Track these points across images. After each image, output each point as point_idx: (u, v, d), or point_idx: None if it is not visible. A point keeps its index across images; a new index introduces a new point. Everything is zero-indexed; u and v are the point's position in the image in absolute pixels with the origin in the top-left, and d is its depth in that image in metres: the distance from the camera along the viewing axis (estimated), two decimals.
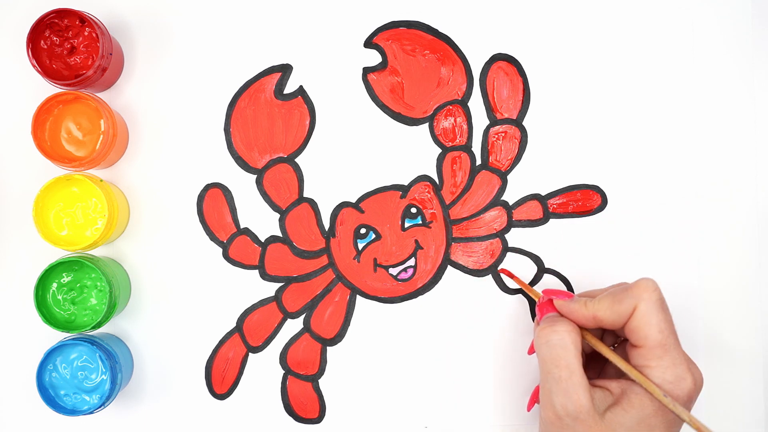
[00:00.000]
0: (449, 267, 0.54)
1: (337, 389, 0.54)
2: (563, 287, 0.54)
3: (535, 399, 0.49)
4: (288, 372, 0.54)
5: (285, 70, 0.54)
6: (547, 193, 0.54)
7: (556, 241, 0.54)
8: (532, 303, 0.54)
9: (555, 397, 0.43)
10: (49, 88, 0.52)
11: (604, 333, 0.49)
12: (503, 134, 0.54)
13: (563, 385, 0.43)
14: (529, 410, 0.50)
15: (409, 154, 0.54)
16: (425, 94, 0.54)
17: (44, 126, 0.51)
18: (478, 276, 0.54)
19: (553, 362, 0.44)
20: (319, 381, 0.54)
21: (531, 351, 0.51)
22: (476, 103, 0.54)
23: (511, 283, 0.54)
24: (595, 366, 0.49)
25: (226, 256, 0.54)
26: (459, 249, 0.54)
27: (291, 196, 0.54)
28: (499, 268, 0.54)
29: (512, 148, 0.54)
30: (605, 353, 0.45)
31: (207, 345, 0.54)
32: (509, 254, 0.54)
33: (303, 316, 0.54)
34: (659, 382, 0.43)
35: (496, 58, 0.55)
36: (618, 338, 0.49)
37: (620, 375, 0.47)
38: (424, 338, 0.54)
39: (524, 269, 0.54)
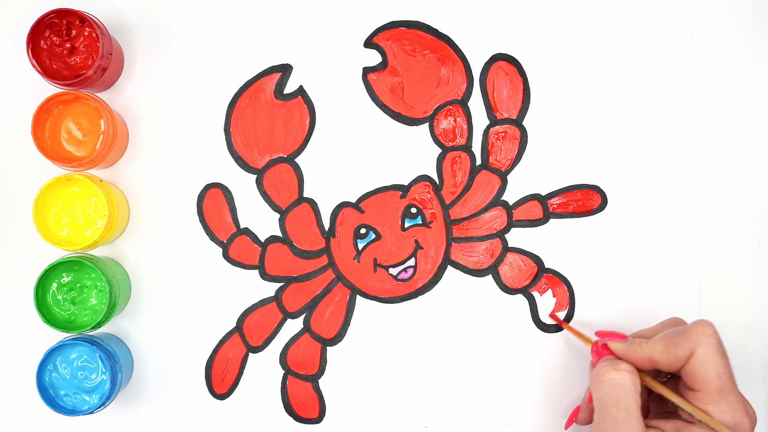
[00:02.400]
0: (449, 267, 0.54)
1: (337, 389, 0.54)
2: (563, 288, 0.54)
3: (574, 418, 0.49)
4: (288, 372, 0.54)
5: (285, 70, 0.54)
6: (547, 193, 0.54)
7: (556, 241, 0.54)
8: (532, 303, 0.54)
9: None
10: (49, 88, 0.52)
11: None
12: (503, 134, 0.54)
13: (620, 427, 0.43)
14: (566, 428, 0.51)
15: (409, 154, 0.54)
16: (425, 94, 0.54)
17: (44, 126, 0.51)
18: (478, 276, 0.54)
19: (612, 402, 0.43)
20: (319, 381, 0.54)
21: (568, 425, 0.51)
22: (476, 103, 0.54)
23: (515, 282, 0.54)
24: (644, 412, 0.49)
25: (226, 256, 0.54)
26: (459, 249, 0.54)
27: (291, 196, 0.54)
28: (549, 314, 0.53)
29: (512, 148, 0.54)
30: (667, 395, 0.44)
31: (207, 345, 0.54)
32: (509, 254, 0.54)
33: (303, 316, 0.54)
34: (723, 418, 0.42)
35: (496, 58, 0.55)
36: (667, 374, 0.48)
37: (668, 414, 0.46)
38: (424, 338, 0.54)
39: (524, 269, 0.54)
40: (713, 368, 0.42)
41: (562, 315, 0.54)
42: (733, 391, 0.43)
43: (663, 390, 0.45)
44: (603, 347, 0.47)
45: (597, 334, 0.49)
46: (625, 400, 0.43)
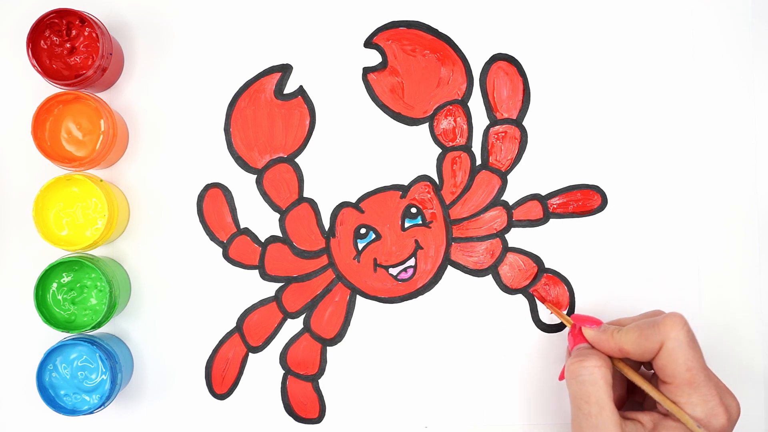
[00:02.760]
0: (449, 267, 0.54)
1: (337, 389, 0.54)
2: (563, 288, 0.54)
3: (588, 322, 0.49)
4: (288, 372, 0.54)
5: (285, 70, 0.54)
6: (547, 193, 0.54)
7: (556, 241, 0.54)
8: (533, 303, 0.54)
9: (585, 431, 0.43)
10: (49, 88, 0.52)
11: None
12: (503, 134, 0.54)
13: (593, 421, 0.43)
14: (561, 380, 0.51)
15: (409, 154, 0.54)
16: (425, 94, 0.54)
17: (44, 126, 0.51)
18: (478, 276, 0.54)
19: (582, 398, 0.44)
20: (319, 381, 0.54)
21: (561, 377, 0.51)
22: (476, 103, 0.54)
23: (515, 282, 0.54)
24: (629, 395, 0.49)
25: (226, 256, 0.54)
26: (459, 249, 0.54)
27: (291, 196, 0.54)
28: (531, 290, 0.53)
29: (512, 148, 0.54)
30: (637, 382, 0.45)
31: (207, 345, 0.54)
32: (510, 254, 0.54)
33: (303, 316, 0.54)
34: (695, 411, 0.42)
35: (496, 58, 0.55)
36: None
37: (653, 405, 0.46)
38: (424, 338, 0.54)
39: (524, 269, 0.54)
40: (682, 362, 0.42)
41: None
42: (705, 384, 0.43)
43: (635, 377, 0.45)
44: (578, 333, 0.48)
45: (573, 318, 0.49)
46: (595, 394, 0.43)
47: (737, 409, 0.43)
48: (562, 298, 0.54)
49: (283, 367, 0.54)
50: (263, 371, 0.54)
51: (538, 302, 0.54)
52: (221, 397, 0.54)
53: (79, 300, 0.51)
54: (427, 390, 0.54)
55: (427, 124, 0.54)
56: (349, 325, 0.54)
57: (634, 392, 0.49)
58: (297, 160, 0.54)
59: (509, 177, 0.54)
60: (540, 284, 0.54)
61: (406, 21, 0.54)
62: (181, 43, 0.54)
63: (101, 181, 0.51)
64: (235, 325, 0.54)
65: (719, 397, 0.43)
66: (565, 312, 0.54)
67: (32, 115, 0.50)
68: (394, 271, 0.54)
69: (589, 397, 0.44)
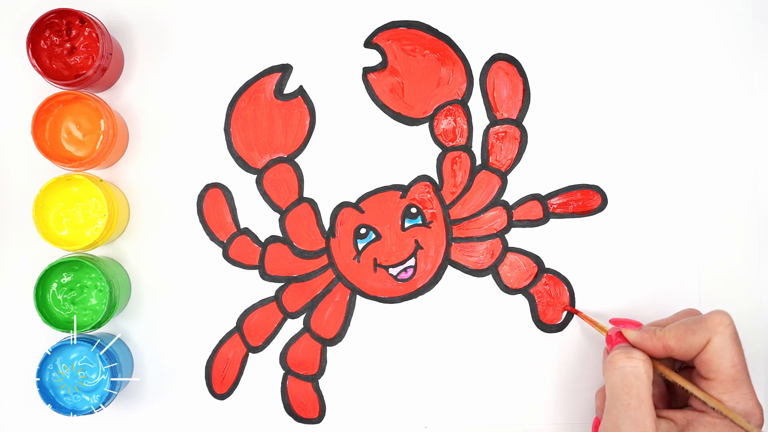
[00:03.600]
0: (449, 267, 0.54)
1: (337, 389, 0.54)
2: (564, 288, 0.54)
3: (627, 324, 0.48)
4: (288, 372, 0.54)
5: (285, 70, 0.54)
6: (547, 193, 0.54)
7: (556, 241, 0.54)
8: (533, 303, 0.54)
9: (622, 424, 0.43)
10: (49, 88, 0.52)
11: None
12: (503, 134, 0.54)
13: (632, 414, 0.43)
14: (613, 323, 0.50)
15: (409, 154, 0.54)
16: (425, 94, 0.54)
17: (44, 126, 0.51)
18: (478, 276, 0.54)
19: (624, 389, 0.44)
20: (319, 381, 0.54)
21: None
22: (476, 103, 0.54)
23: (515, 282, 0.54)
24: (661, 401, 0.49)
25: (226, 256, 0.54)
26: (459, 249, 0.54)
27: (291, 196, 0.54)
28: (564, 307, 0.53)
29: (512, 148, 0.54)
30: (681, 383, 0.45)
31: (207, 345, 0.54)
32: (510, 254, 0.54)
33: (303, 316, 0.54)
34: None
35: (496, 58, 0.55)
36: (681, 363, 0.48)
37: (683, 405, 0.46)
38: (424, 338, 0.54)
39: (524, 269, 0.54)
40: (728, 357, 0.43)
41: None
42: (747, 382, 0.43)
43: (677, 378, 0.45)
44: (617, 335, 0.47)
45: (612, 321, 0.49)
46: (637, 387, 0.43)
47: (763, 413, 0.44)
48: (563, 298, 0.54)
49: (283, 367, 0.54)
50: (263, 371, 0.54)
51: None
52: (221, 397, 0.54)
53: (79, 300, 0.51)
54: (427, 390, 0.54)
55: (427, 124, 0.54)
56: (349, 325, 0.54)
57: (667, 398, 0.49)
58: (297, 160, 0.54)
59: (509, 177, 0.54)
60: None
61: (406, 21, 0.54)
62: (181, 43, 0.54)
63: (101, 181, 0.51)
64: (235, 325, 0.54)
65: (755, 397, 0.43)
66: (565, 317, 0.54)
67: (32, 115, 0.50)
68: (394, 271, 0.54)
69: (630, 389, 0.43)
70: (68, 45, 0.51)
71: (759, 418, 0.43)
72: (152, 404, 0.53)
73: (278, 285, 0.54)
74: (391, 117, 0.54)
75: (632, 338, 0.46)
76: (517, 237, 0.54)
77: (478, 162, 0.54)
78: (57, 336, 0.52)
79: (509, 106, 0.54)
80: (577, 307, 0.54)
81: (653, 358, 0.46)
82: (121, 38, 0.54)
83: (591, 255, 0.54)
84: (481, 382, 0.54)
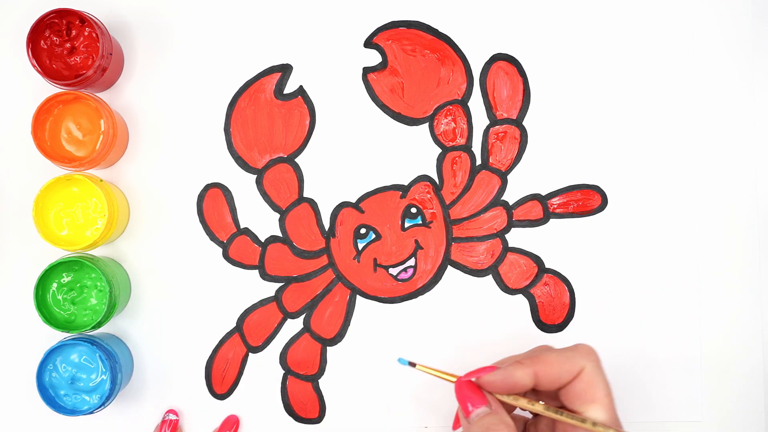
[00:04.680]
0: (449, 267, 0.54)
1: (337, 389, 0.54)
2: (564, 288, 0.54)
3: (479, 372, 0.43)
4: (288, 372, 0.54)
5: (285, 70, 0.54)
6: (547, 193, 0.54)
7: (556, 241, 0.54)
8: (533, 303, 0.54)
9: None
10: (49, 88, 0.52)
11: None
12: (503, 134, 0.54)
13: None
14: (454, 429, 0.45)
15: (409, 154, 0.54)
16: (425, 94, 0.54)
17: (44, 126, 0.51)
18: (478, 276, 0.54)
19: None
20: (319, 381, 0.54)
21: (456, 426, 0.44)
22: (476, 103, 0.54)
23: (515, 282, 0.54)
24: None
25: (226, 256, 0.54)
26: (459, 249, 0.54)
27: (291, 196, 0.54)
28: (412, 362, 0.44)
29: (512, 148, 0.54)
30: (553, 416, 0.41)
31: (207, 345, 0.54)
32: (510, 254, 0.54)
33: (303, 316, 0.54)
34: None
35: (496, 58, 0.55)
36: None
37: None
38: (424, 338, 0.54)
39: (524, 269, 0.54)
40: (602, 386, 0.41)
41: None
42: (615, 414, 0.41)
43: (546, 411, 0.41)
44: (468, 389, 0.41)
45: (460, 378, 0.42)
46: None
47: None
48: (563, 298, 0.54)
49: (283, 367, 0.54)
50: (263, 371, 0.54)
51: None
52: (221, 397, 0.54)
53: (79, 300, 0.51)
54: (427, 390, 0.54)
55: (427, 124, 0.54)
56: (349, 325, 0.54)
57: None
58: (297, 160, 0.54)
59: (509, 177, 0.54)
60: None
61: (406, 21, 0.54)
62: (181, 43, 0.54)
63: (101, 181, 0.51)
64: (235, 325, 0.54)
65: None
66: (565, 317, 0.54)
67: (32, 115, 0.50)
68: (394, 271, 0.54)
69: None
70: (68, 45, 0.51)
71: None
72: (152, 404, 0.53)
73: (278, 285, 0.54)
74: (391, 117, 0.54)
75: (497, 378, 0.41)
76: (517, 237, 0.54)
77: (478, 162, 0.54)
78: (57, 336, 0.52)
79: (509, 106, 0.54)
80: (578, 306, 0.54)
81: (513, 397, 0.42)
82: (121, 38, 0.54)
83: (591, 255, 0.54)
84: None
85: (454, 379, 0.42)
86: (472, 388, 0.41)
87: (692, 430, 0.54)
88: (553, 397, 0.43)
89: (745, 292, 0.54)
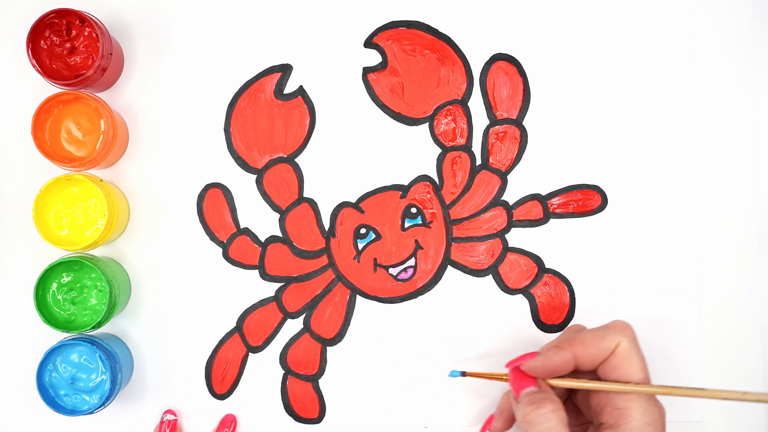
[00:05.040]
0: (449, 267, 0.54)
1: (337, 389, 0.54)
2: (564, 288, 0.54)
3: (488, 427, 0.48)
4: (288, 372, 0.54)
5: (285, 70, 0.54)
6: (547, 193, 0.54)
7: (556, 241, 0.54)
8: (533, 303, 0.54)
9: None
10: (49, 88, 0.52)
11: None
12: (503, 134, 0.54)
13: None
14: (509, 365, 0.47)
15: (409, 154, 0.54)
16: (425, 94, 0.54)
17: (44, 126, 0.51)
18: (478, 276, 0.54)
19: None
20: (319, 381, 0.54)
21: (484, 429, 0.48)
22: (476, 103, 0.54)
23: (515, 282, 0.54)
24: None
25: (226, 256, 0.54)
26: (459, 249, 0.54)
27: (291, 196, 0.54)
28: (463, 372, 0.49)
29: (512, 148, 0.54)
30: (600, 387, 0.43)
31: (207, 345, 0.54)
32: (510, 254, 0.54)
33: (303, 316, 0.54)
34: (642, 419, 0.42)
35: (496, 58, 0.55)
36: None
37: (584, 410, 0.46)
38: (424, 338, 0.54)
39: (524, 269, 0.54)
40: (637, 360, 0.43)
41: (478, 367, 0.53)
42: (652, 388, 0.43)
43: (593, 384, 0.44)
44: (518, 375, 0.45)
45: (508, 365, 0.46)
46: None
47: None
48: (563, 298, 0.54)
49: (283, 367, 0.54)
50: (263, 371, 0.54)
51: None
52: (221, 397, 0.54)
53: (79, 300, 0.51)
54: (427, 390, 0.54)
55: (427, 124, 0.54)
56: (349, 325, 0.54)
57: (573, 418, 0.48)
58: (297, 160, 0.54)
59: (509, 177, 0.54)
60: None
61: (406, 21, 0.55)
62: (181, 43, 0.54)
63: (101, 181, 0.51)
64: (235, 325, 0.54)
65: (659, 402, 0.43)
66: (565, 317, 0.54)
67: (32, 115, 0.50)
68: (394, 271, 0.54)
69: None
70: (68, 45, 0.51)
71: (661, 425, 0.42)
72: (152, 404, 0.53)
73: (278, 285, 0.54)
74: (391, 117, 0.54)
75: (538, 364, 0.44)
76: (517, 237, 0.54)
77: (478, 162, 0.54)
78: (57, 336, 0.52)
79: (509, 106, 0.54)
80: (578, 306, 0.54)
81: (559, 379, 0.44)
82: (121, 38, 0.54)
83: (591, 255, 0.54)
84: (481, 382, 0.54)
85: (505, 376, 0.46)
86: (521, 374, 0.45)
87: (692, 430, 0.54)
88: (594, 376, 0.45)
89: (745, 292, 0.54)
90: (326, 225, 0.54)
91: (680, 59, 0.55)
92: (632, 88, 0.55)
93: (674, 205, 0.54)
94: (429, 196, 0.54)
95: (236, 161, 0.54)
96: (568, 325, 0.48)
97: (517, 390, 0.45)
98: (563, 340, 0.45)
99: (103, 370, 0.50)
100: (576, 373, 0.45)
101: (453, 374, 0.49)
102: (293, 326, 0.54)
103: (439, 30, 0.54)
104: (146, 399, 0.53)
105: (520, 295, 0.54)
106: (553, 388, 0.45)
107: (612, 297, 0.54)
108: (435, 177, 0.54)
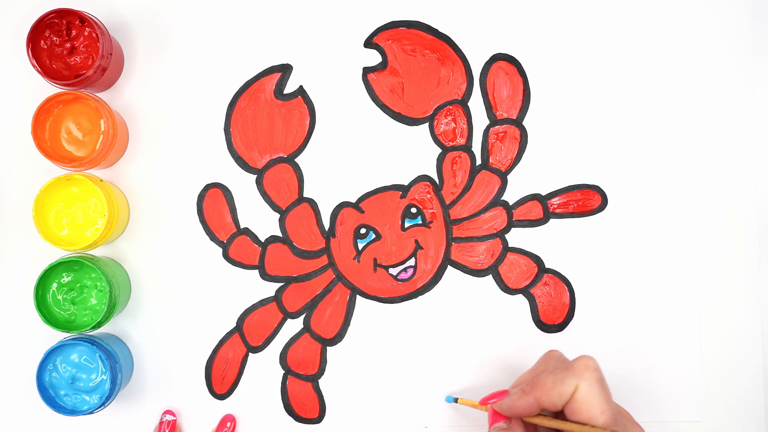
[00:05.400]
0: (449, 267, 0.54)
1: (337, 389, 0.54)
2: (564, 288, 0.54)
3: (495, 397, 0.47)
4: (288, 372, 0.54)
5: (285, 70, 0.54)
6: (547, 193, 0.54)
7: (556, 241, 0.54)
8: (533, 303, 0.54)
9: None
10: (49, 88, 0.52)
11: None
12: (503, 134, 0.54)
13: None
14: (481, 403, 0.48)
15: (409, 154, 0.54)
16: (425, 94, 0.54)
17: (44, 126, 0.51)
18: (478, 276, 0.54)
19: None
20: (319, 381, 0.54)
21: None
22: (476, 103, 0.54)
23: (515, 282, 0.54)
24: None
25: (226, 256, 0.54)
26: (459, 249, 0.54)
27: (291, 196, 0.54)
28: (456, 398, 0.53)
29: (512, 148, 0.54)
30: (565, 426, 0.43)
31: (207, 345, 0.54)
32: (510, 254, 0.54)
33: (303, 316, 0.54)
34: None
35: (496, 58, 0.55)
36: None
37: None
38: (424, 338, 0.54)
39: (524, 269, 0.54)
40: (597, 404, 0.42)
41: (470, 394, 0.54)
42: (618, 422, 0.42)
43: (561, 424, 0.43)
44: (493, 410, 0.46)
45: (481, 402, 0.48)
46: None
47: None
48: (563, 298, 0.54)
49: (283, 367, 0.54)
50: (263, 371, 0.54)
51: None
52: (221, 397, 0.54)
53: (79, 300, 0.51)
54: (427, 390, 0.54)
55: (427, 124, 0.54)
56: (349, 325, 0.54)
57: None
58: (297, 160, 0.54)
59: (509, 177, 0.54)
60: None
61: (406, 21, 0.55)
62: (181, 43, 0.54)
63: (101, 181, 0.51)
64: (235, 325, 0.54)
65: (635, 425, 0.43)
66: (565, 317, 0.54)
67: (32, 115, 0.50)
68: (394, 271, 0.54)
69: None
70: (68, 45, 0.51)
71: None
72: (152, 404, 0.53)
73: (278, 285, 0.54)
74: (391, 117, 0.54)
75: (504, 407, 0.45)
76: (517, 237, 0.54)
77: (478, 162, 0.54)
78: (57, 336, 0.52)
79: (509, 106, 0.54)
80: (578, 306, 0.54)
81: (533, 416, 0.45)
82: (121, 38, 0.54)
83: (591, 255, 0.54)
84: (481, 382, 0.54)
85: (484, 409, 0.48)
86: (495, 410, 0.47)
87: (692, 430, 0.54)
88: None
89: (745, 292, 0.54)
90: (326, 225, 0.54)
91: (680, 59, 0.55)
92: (632, 88, 0.55)
93: (674, 205, 0.54)
94: (429, 196, 0.54)
95: (236, 161, 0.54)
96: (547, 351, 0.47)
97: (490, 424, 0.47)
98: (529, 381, 0.45)
99: (103, 370, 0.50)
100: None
101: (448, 400, 0.53)
102: (293, 326, 0.54)
103: (439, 30, 0.55)
104: (146, 399, 0.53)
105: (520, 295, 0.54)
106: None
107: (612, 297, 0.54)
108: (435, 177, 0.54)
